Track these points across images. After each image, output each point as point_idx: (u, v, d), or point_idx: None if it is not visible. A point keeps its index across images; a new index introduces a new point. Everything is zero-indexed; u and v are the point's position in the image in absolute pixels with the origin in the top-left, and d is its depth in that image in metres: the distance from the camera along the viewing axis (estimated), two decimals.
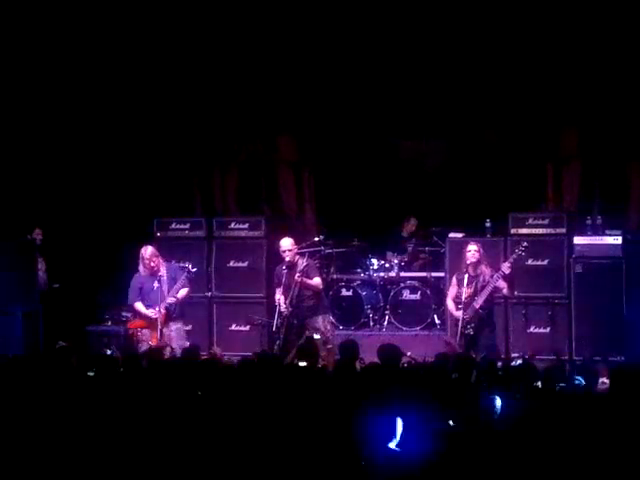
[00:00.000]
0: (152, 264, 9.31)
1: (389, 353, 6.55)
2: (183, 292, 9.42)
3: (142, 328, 9.31)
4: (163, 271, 9.36)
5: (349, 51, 11.73)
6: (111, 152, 12.07)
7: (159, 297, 9.24)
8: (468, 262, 9.14)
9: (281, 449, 4.92)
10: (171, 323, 9.36)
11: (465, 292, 9.04)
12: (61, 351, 6.44)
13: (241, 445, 4.98)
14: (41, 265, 10.80)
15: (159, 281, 9.28)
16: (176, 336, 9.31)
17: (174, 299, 9.30)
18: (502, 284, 9.07)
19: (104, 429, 5.10)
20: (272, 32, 11.70)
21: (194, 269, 9.53)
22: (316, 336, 9.19)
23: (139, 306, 9.38)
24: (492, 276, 9.00)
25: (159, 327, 9.19)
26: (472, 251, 9.17)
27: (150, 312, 9.24)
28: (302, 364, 7.30)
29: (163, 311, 9.25)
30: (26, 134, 11.72)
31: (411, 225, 12.19)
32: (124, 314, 10.56)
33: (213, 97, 12.15)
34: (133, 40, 11.58)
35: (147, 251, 9.41)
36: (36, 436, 5.08)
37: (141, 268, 9.44)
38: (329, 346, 9.22)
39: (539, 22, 11.19)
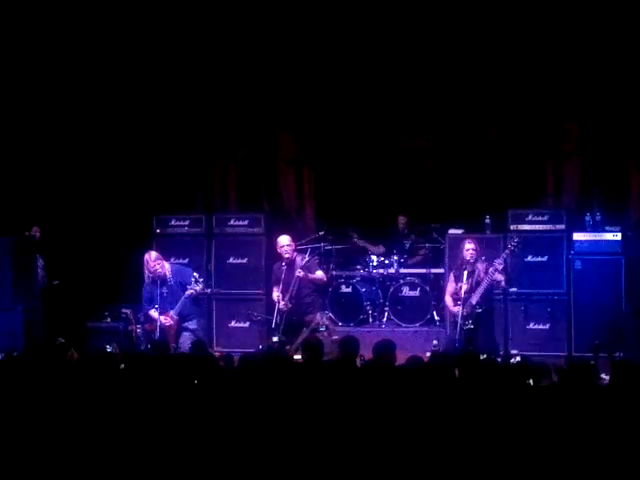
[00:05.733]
0: (157, 266, 9.36)
1: (383, 349, 6.56)
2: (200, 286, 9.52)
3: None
4: (170, 276, 9.42)
5: (350, 48, 11.73)
6: (110, 148, 12.06)
7: (170, 303, 9.35)
8: (465, 260, 9.18)
9: (280, 445, 4.92)
10: (185, 325, 9.46)
11: (463, 288, 9.08)
12: (58, 347, 6.42)
13: (240, 441, 4.98)
14: (39, 262, 10.81)
15: (168, 287, 9.37)
16: (190, 336, 9.37)
17: (193, 292, 9.38)
18: (498, 277, 9.10)
19: (102, 425, 5.10)
20: (273, 29, 11.70)
21: (201, 278, 9.55)
22: (321, 329, 9.20)
23: (153, 314, 9.44)
24: (486, 272, 9.04)
25: (173, 332, 9.33)
26: (470, 250, 9.20)
27: (163, 319, 9.32)
28: (297, 357, 7.32)
29: (176, 317, 9.35)
30: (24, 131, 11.71)
31: (401, 223, 12.15)
32: (123, 311, 10.61)
33: (213, 93, 12.15)
34: (132, 37, 11.57)
35: (152, 255, 9.46)
36: (32, 432, 5.07)
37: (146, 274, 9.47)
38: (335, 337, 9.19)
39: (539, 19, 11.19)
